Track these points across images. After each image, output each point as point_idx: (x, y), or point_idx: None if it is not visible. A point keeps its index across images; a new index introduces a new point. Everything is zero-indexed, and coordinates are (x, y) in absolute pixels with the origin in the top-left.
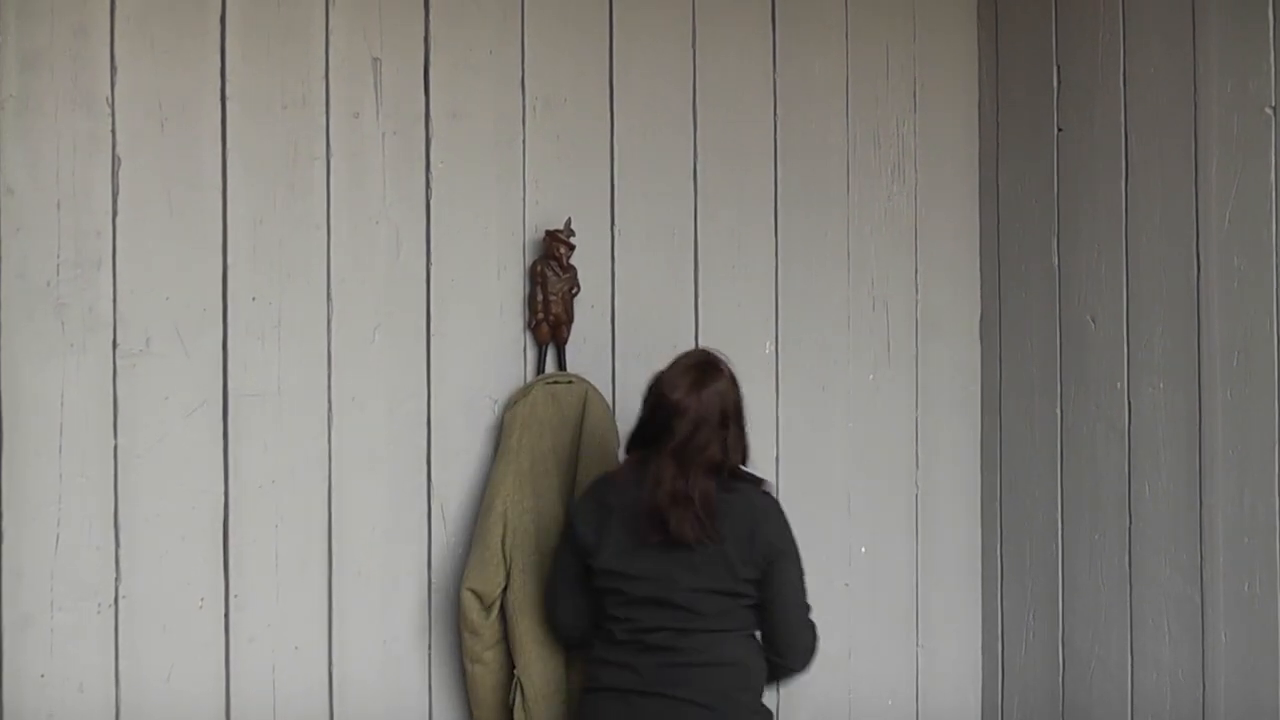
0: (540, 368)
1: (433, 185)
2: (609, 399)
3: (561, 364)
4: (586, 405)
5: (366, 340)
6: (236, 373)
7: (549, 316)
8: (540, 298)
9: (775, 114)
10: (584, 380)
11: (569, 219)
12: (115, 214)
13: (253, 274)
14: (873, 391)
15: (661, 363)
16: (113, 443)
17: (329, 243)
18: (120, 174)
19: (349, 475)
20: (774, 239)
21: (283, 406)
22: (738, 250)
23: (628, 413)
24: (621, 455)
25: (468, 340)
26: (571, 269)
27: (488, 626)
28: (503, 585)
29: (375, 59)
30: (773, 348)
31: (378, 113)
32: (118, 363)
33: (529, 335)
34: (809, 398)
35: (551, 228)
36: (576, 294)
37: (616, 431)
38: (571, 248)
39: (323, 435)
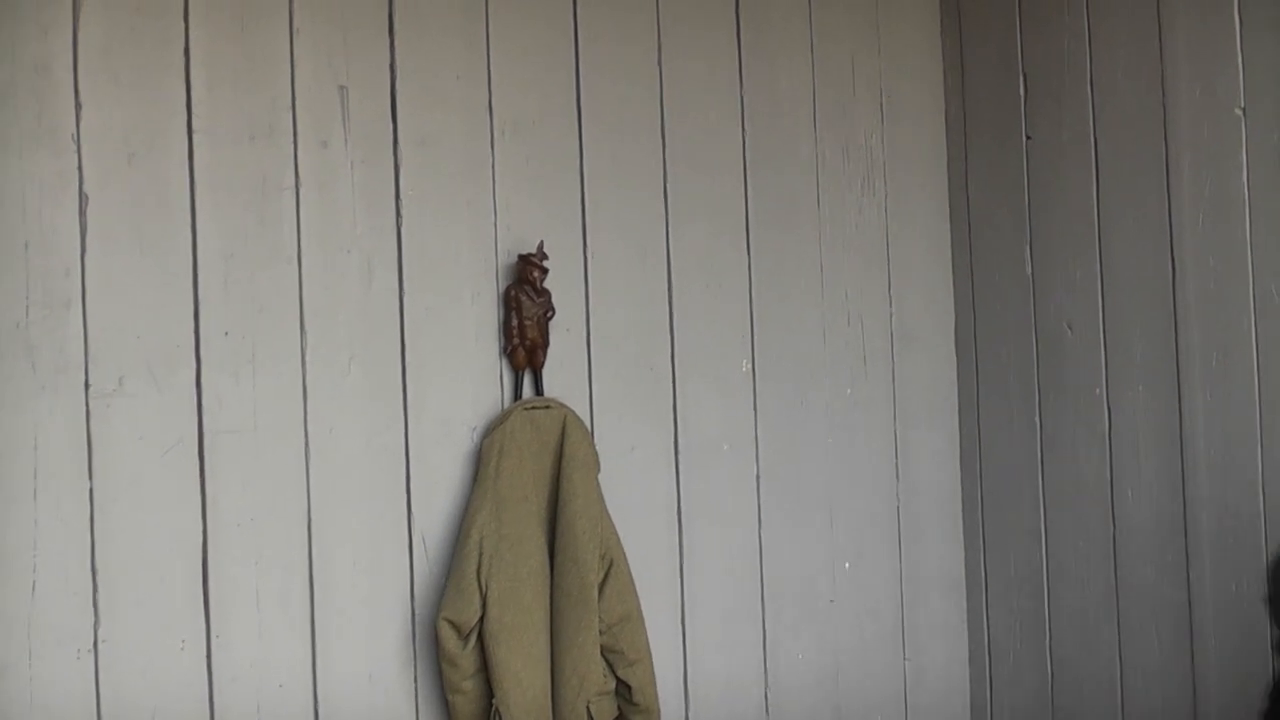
0: (517, 393)
1: (403, 213)
2: (587, 422)
3: (539, 389)
4: (565, 430)
5: (342, 372)
6: (211, 409)
7: (524, 341)
8: (515, 323)
9: (743, 128)
10: (562, 405)
11: (541, 242)
12: (84, 252)
13: (225, 309)
14: (851, 405)
15: (640, 382)
16: (88, 485)
17: (301, 274)
18: (88, 211)
19: (328, 509)
20: (746, 255)
21: (259, 442)
22: (711, 267)
23: (607, 435)
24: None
25: (443, 368)
26: (546, 293)
27: (465, 656)
28: (479, 614)
29: (342, 87)
30: (749, 365)
31: (346, 141)
32: (90, 404)
33: (505, 361)
34: (788, 414)
35: (524, 252)
36: (552, 318)
37: (596, 455)
38: (545, 271)
39: (300, 470)
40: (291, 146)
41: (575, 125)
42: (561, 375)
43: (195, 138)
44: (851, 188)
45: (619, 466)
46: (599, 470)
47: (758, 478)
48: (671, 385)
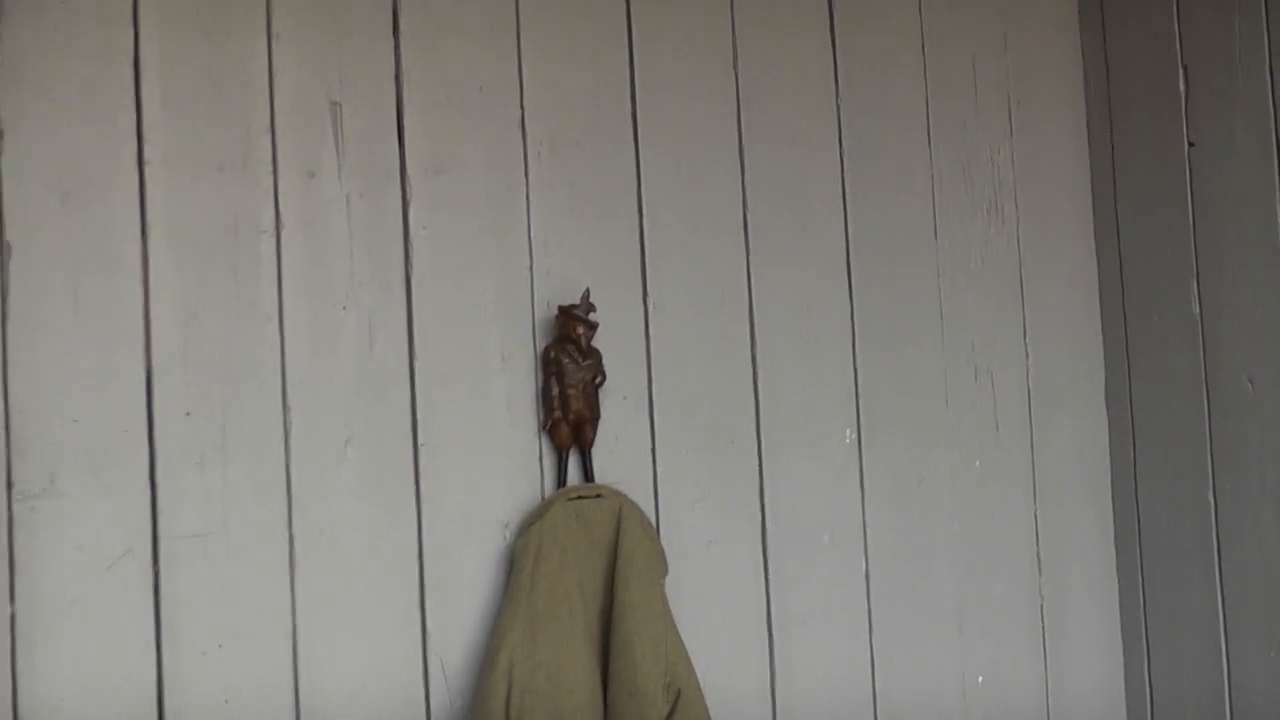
0: (561, 479)
1: (413, 258)
2: (650, 513)
3: (588, 473)
4: (621, 523)
5: (336, 458)
6: (169, 510)
7: (568, 414)
8: (556, 391)
9: (840, 145)
10: (617, 492)
11: (587, 291)
12: (5, 317)
13: (185, 382)
14: (980, 482)
15: (717, 461)
16: (8, 610)
17: (283, 337)
18: (10, 266)
19: (320, 631)
20: (848, 300)
21: (230, 549)
22: (804, 315)
23: (676, 529)
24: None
25: (466, 450)
26: (594, 353)
27: None
28: None
29: (334, 103)
30: (854, 435)
31: (340, 170)
32: (14, 509)
33: (545, 439)
34: (902, 495)
35: (566, 303)
36: (602, 383)
37: (661, 555)
38: (592, 326)
39: (283, 582)
40: (270, 178)
41: (630, 146)
42: (617, 455)
43: (147, 170)
44: (976, 214)
45: (691, 567)
46: (665, 574)
47: (867, 575)
48: (757, 463)
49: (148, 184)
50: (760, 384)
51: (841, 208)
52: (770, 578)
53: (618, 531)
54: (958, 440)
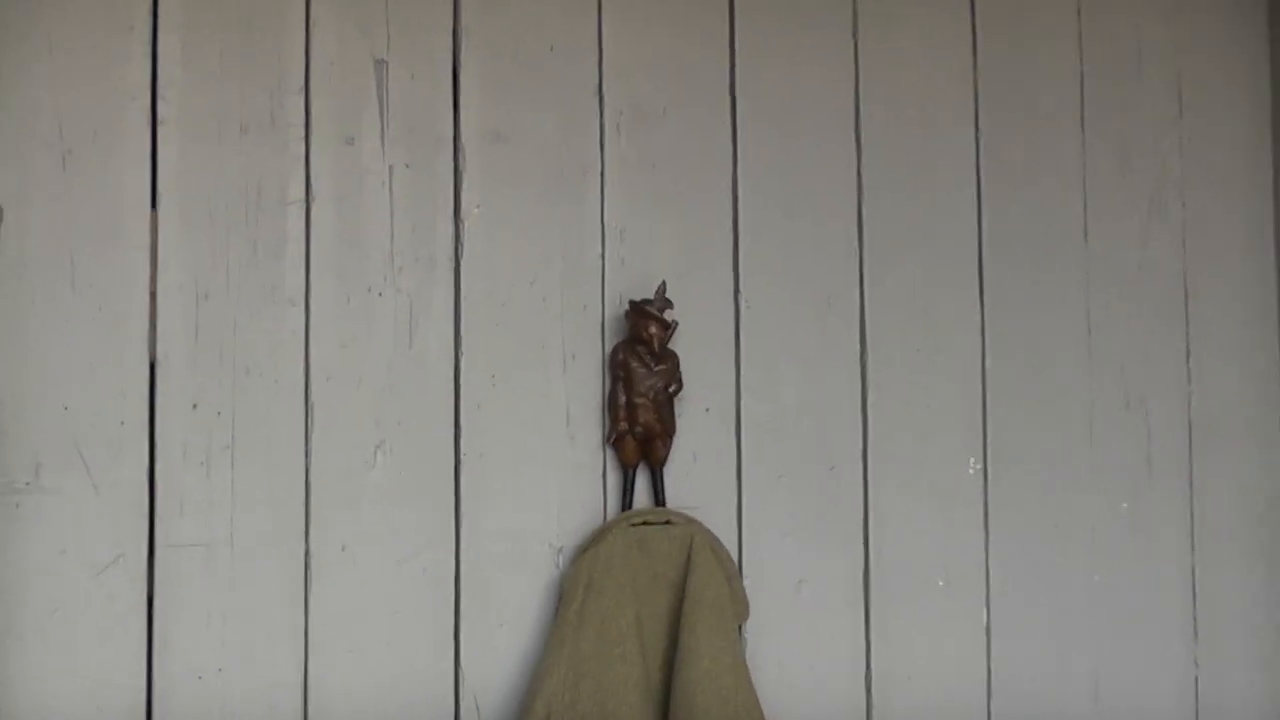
0: (626, 502)
1: (464, 239)
2: (732, 546)
3: (658, 496)
4: (692, 557)
5: (364, 464)
6: (168, 514)
7: (635, 427)
8: (623, 399)
9: (977, 126)
10: (691, 520)
11: (663, 284)
12: None
13: (194, 371)
14: (1128, 529)
15: (814, 488)
16: None
17: (308, 323)
18: (0, 231)
19: (336, 660)
20: (979, 307)
21: (236, 561)
22: (925, 323)
23: (762, 564)
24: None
25: (517, 463)
26: (670, 357)
27: None
28: None
29: (379, 61)
30: (979, 465)
31: (383, 136)
32: None
33: (610, 453)
34: (1034, 537)
35: (640, 298)
36: (677, 392)
37: (740, 595)
38: (668, 326)
39: (297, 602)
40: (302, 144)
41: (728, 118)
42: (695, 477)
43: (161, 130)
44: (1134, 212)
45: (778, 611)
46: (744, 618)
47: (988, 628)
48: (862, 493)
49: (160, 145)
50: (869, 401)
51: (975, 199)
52: (871, 626)
53: (687, 565)
54: (1103, 478)
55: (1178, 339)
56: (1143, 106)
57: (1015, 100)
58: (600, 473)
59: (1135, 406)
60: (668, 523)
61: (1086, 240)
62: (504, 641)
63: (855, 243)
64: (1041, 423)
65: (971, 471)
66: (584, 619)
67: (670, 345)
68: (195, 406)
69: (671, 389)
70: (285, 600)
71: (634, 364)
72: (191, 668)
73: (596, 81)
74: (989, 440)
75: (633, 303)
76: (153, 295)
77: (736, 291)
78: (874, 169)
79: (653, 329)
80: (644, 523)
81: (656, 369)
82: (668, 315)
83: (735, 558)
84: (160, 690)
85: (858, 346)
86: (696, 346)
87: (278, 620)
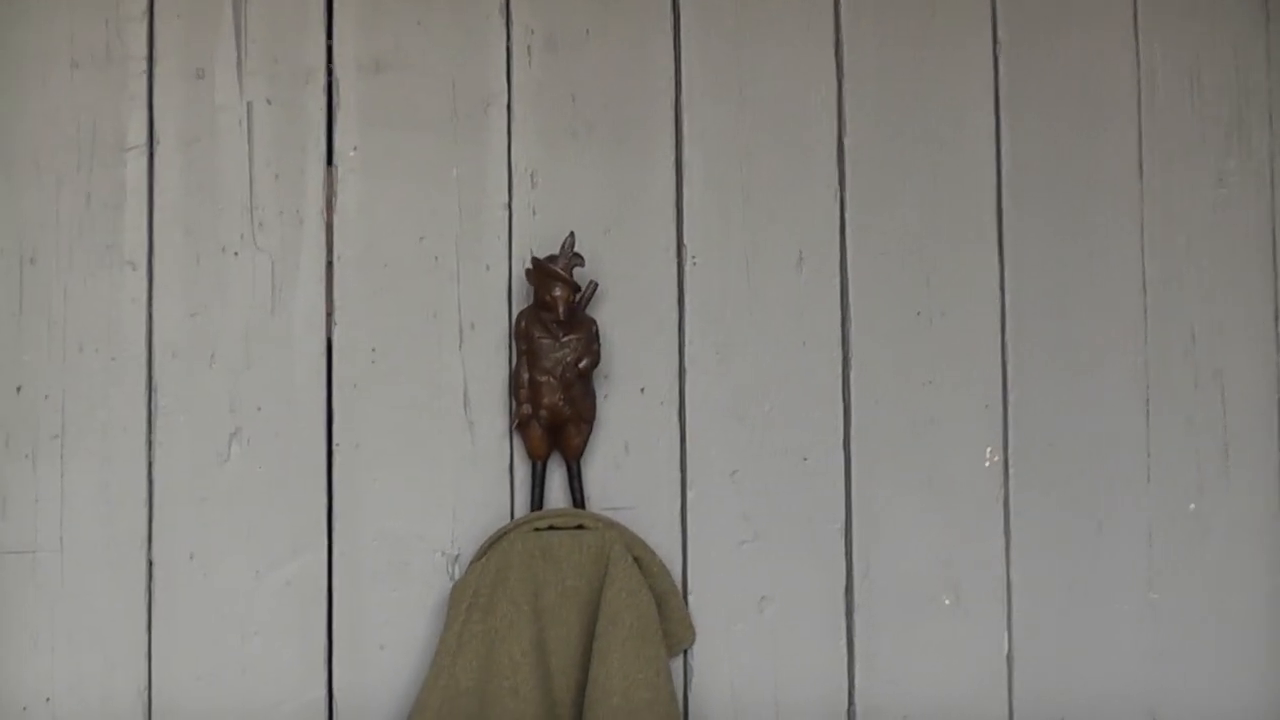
0: (535, 501)
1: (339, 188)
2: (675, 555)
3: (575, 494)
4: (610, 569)
5: (216, 457)
6: None
7: (539, 410)
8: (526, 377)
9: (994, 31)
10: (612, 523)
11: (570, 237)
12: None
13: (17, 348)
14: (1196, 531)
15: (782, 483)
16: None
17: (151, 289)
18: None
19: (183, 686)
20: (996, 261)
21: (67, 571)
22: (926, 283)
23: (712, 580)
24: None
25: (401, 454)
26: (584, 325)
27: None
28: None
29: None
30: (998, 457)
31: (240, 68)
32: None
33: (517, 441)
34: (1069, 547)
35: (546, 254)
36: (590, 368)
37: (681, 617)
38: (577, 289)
39: (138, 620)
40: (144, 79)
41: (669, 36)
42: (628, 470)
43: None
44: (1206, 135)
45: (734, 634)
46: (687, 642)
47: (1009, 657)
48: (843, 490)
49: None
50: (852, 377)
51: (992, 126)
52: (856, 655)
53: (604, 579)
54: (1164, 470)
55: (1263, 298)
56: (1218, 9)
57: None
58: (506, 466)
59: (1207, 383)
60: (579, 527)
61: (1141, 173)
62: (385, 667)
63: (835, 182)
64: (1080, 403)
65: (988, 464)
66: (464, 644)
67: (589, 311)
68: (19, 389)
69: (583, 364)
70: (124, 617)
71: (537, 334)
72: (15, 699)
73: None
74: (1010, 425)
75: (535, 260)
76: None
77: (679, 245)
78: (859, 89)
79: (557, 291)
80: (550, 527)
81: (564, 339)
82: (572, 272)
83: (678, 570)
84: None
85: (837, 311)
86: (628, 313)
87: (115, 641)
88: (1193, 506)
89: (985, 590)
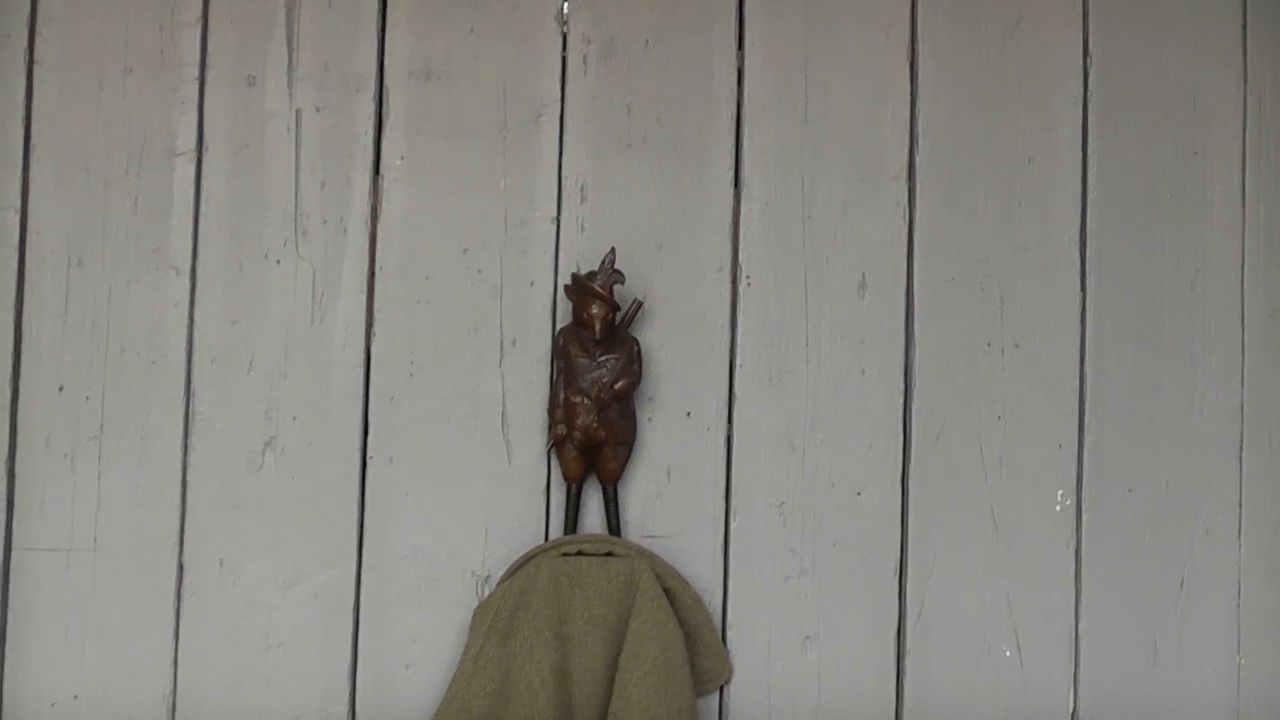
0: (569, 524)
1: (384, 197)
2: (716, 587)
3: (611, 520)
4: (637, 598)
5: (249, 464)
6: (26, 512)
7: (573, 431)
8: (561, 397)
9: (1085, 21)
10: (643, 552)
11: (611, 253)
12: None
13: (61, 349)
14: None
15: (835, 515)
16: None
17: (193, 295)
18: None
19: (207, 693)
20: (1079, 283)
21: (99, 571)
22: (999, 307)
23: (754, 616)
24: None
25: (436, 470)
26: (623, 344)
27: None
28: None
29: None
30: (1070, 500)
31: (290, 75)
32: None
33: (555, 463)
34: (1149, 601)
35: (588, 270)
36: (626, 390)
37: (716, 653)
38: (615, 307)
39: (166, 623)
40: (195, 85)
41: (731, 48)
42: (669, 498)
43: (36, 71)
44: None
45: (775, 674)
46: (723, 678)
47: (1074, 715)
48: (899, 528)
49: (36, 89)
50: (914, 408)
51: (1079, 128)
52: (905, 703)
53: (632, 607)
54: (1258, 523)
55: None
56: None
57: None
58: (543, 487)
59: None
60: (609, 554)
61: (1244, 201)
62: (409, 687)
63: (904, 201)
64: (1165, 446)
65: (1059, 508)
66: (480, 668)
67: (634, 331)
68: (61, 389)
69: (619, 385)
70: (152, 620)
71: (574, 352)
72: (42, 695)
73: (559, 3)
74: (1085, 467)
75: (574, 276)
76: (21, 258)
77: (735, 265)
78: (934, 104)
79: (594, 309)
80: (579, 552)
81: (601, 359)
82: (611, 289)
83: (718, 603)
84: (6, 718)
85: (901, 338)
86: (676, 334)
87: (143, 643)
88: None
89: (1050, 643)
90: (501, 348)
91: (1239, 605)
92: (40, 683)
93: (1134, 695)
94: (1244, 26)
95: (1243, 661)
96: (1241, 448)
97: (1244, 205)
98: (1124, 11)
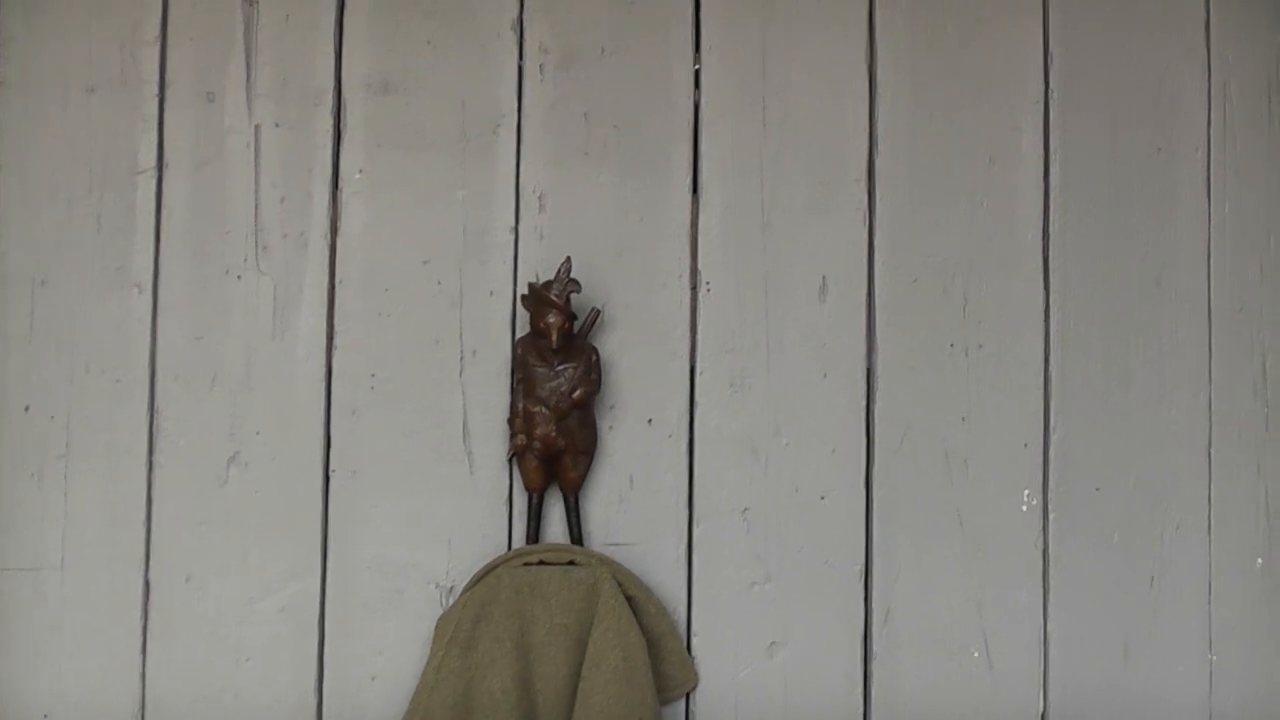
0: (530, 534)
1: (343, 211)
2: (679, 597)
3: (573, 529)
4: (599, 606)
5: (214, 479)
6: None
7: (533, 440)
8: (519, 407)
9: (1045, 21)
10: (605, 560)
11: (566, 262)
12: None
13: (26, 368)
14: (1260, 590)
15: (798, 522)
16: None
17: (155, 312)
18: None
19: (176, 708)
20: (1042, 283)
21: (67, 589)
22: (961, 308)
23: (719, 625)
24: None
25: (399, 482)
26: (581, 353)
27: None
28: None
29: (248, 0)
30: (1036, 501)
31: (249, 91)
32: None
33: (517, 472)
34: (1118, 600)
35: (544, 279)
36: (585, 398)
37: (680, 660)
38: (569, 317)
39: (133, 640)
40: (155, 102)
41: (688, 56)
42: (632, 506)
43: (0, 92)
44: None
45: (741, 682)
46: (689, 686)
47: (1044, 716)
48: (863, 531)
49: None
50: (875, 410)
51: (1041, 132)
52: (873, 707)
53: (594, 616)
54: (1227, 520)
55: None
56: None
57: None
58: (505, 497)
59: (1279, 425)
60: (571, 563)
61: (1209, 199)
62: (375, 698)
63: (864, 205)
64: (1132, 444)
65: (1025, 508)
66: (442, 679)
67: (593, 339)
68: (27, 409)
69: (577, 393)
70: (121, 637)
71: (533, 362)
72: (17, 713)
73: (516, 13)
74: (1051, 466)
75: (530, 286)
76: None
77: (694, 271)
78: (893, 106)
79: (550, 318)
80: (540, 562)
81: (559, 368)
82: (567, 298)
83: (683, 611)
84: None
85: (863, 342)
86: (637, 341)
87: (112, 660)
88: (1260, 561)
89: (1019, 644)
90: (462, 358)
91: (1210, 602)
92: (10, 701)
93: (1105, 694)
94: (1207, 21)
95: (1214, 658)
96: (1210, 444)
97: (1209, 201)
98: (1085, 8)
